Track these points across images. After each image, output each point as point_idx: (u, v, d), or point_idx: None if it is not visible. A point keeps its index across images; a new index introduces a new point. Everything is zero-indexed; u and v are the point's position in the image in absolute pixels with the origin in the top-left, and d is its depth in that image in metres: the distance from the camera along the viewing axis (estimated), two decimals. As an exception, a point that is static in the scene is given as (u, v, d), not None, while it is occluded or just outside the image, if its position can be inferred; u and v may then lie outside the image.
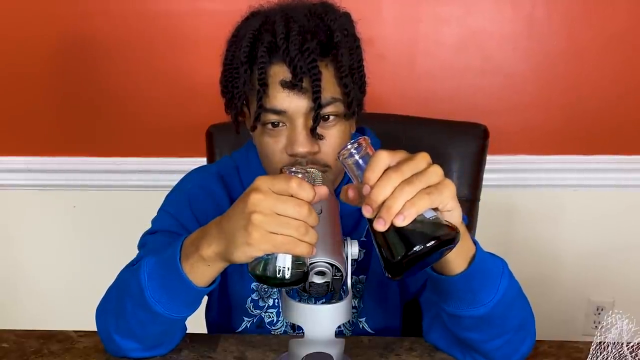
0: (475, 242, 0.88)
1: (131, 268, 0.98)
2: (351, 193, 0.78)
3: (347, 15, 1.02)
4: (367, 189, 0.74)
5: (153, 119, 1.88)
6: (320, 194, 0.78)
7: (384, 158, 0.75)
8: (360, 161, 0.77)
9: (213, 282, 0.90)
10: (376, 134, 1.18)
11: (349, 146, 0.78)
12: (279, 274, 0.78)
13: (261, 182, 0.77)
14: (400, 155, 0.76)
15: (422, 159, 0.75)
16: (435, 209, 0.75)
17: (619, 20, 1.78)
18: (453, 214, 0.76)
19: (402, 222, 0.72)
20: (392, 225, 0.72)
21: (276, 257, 0.77)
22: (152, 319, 0.92)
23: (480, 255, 0.86)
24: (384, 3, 1.79)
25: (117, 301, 0.96)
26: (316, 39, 0.96)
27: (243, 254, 0.78)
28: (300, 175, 0.78)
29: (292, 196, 0.76)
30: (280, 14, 0.98)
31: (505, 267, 0.90)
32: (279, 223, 0.75)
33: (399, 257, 0.73)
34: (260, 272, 0.78)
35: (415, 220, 0.73)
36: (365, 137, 0.79)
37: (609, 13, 1.77)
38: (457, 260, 0.85)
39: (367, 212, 0.74)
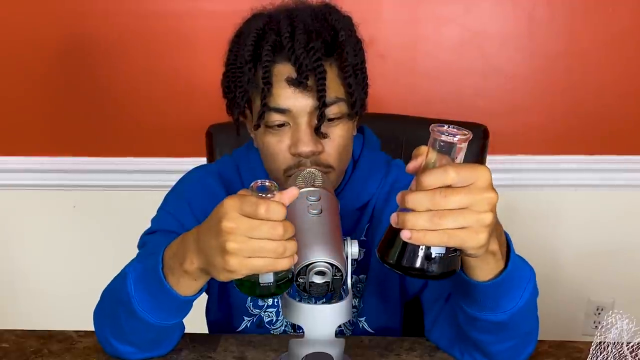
0: (509, 248, 0.84)
1: (120, 274, 0.97)
2: (412, 165, 0.74)
3: (349, 18, 1.02)
4: (413, 184, 0.72)
5: (153, 119, 1.88)
6: (290, 195, 0.77)
7: (450, 175, 0.69)
8: (443, 145, 0.70)
9: (200, 289, 0.89)
10: (376, 134, 1.18)
11: (446, 127, 0.70)
12: (264, 288, 0.78)
13: (230, 206, 0.75)
14: (468, 175, 0.70)
15: (484, 200, 0.71)
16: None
17: (620, 21, 1.78)
18: (473, 254, 0.75)
19: (406, 237, 0.70)
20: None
21: (258, 274, 0.78)
22: (145, 326, 0.92)
23: (512, 265, 0.83)
24: (384, 4, 1.79)
25: (110, 308, 0.96)
26: (321, 39, 0.96)
27: (225, 278, 0.78)
28: (269, 195, 0.75)
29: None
30: (284, 14, 0.98)
31: (532, 276, 0.89)
32: (254, 249, 0.74)
33: (389, 260, 0.74)
34: (245, 289, 0.79)
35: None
36: (468, 132, 0.71)
37: (609, 13, 1.77)
38: (487, 275, 0.83)
39: (398, 199, 0.72)
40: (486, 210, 0.71)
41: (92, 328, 1.02)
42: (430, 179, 0.69)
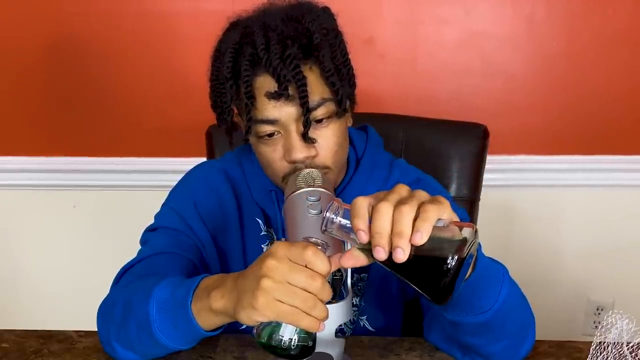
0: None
1: (142, 285, 0.95)
2: (361, 256, 0.75)
3: (325, 10, 1.01)
4: (363, 235, 0.70)
5: (153, 119, 1.88)
6: (337, 264, 0.76)
7: (362, 200, 0.72)
8: (345, 221, 0.73)
9: (219, 327, 0.89)
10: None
11: (327, 215, 0.73)
12: (281, 344, 0.76)
13: (279, 247, 0.75)
14: (377, 193, 0.74)
15: (401, 187, 0.73)
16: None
17: (619, 21, 1.78)
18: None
19: (421, 238, 0.67)
20: (414, 251, 0.68)
21: (281, 327, 0.76)
22: (155, 344, 0.91)
23: (481, 262, 0.83)
24: (384, 3, 1.79)
25: (122, 317, 0.95)
26: (297, 44, 0.95)
27: (247, 317, 0.76)
28: (320, 247, 0.75)
29: (307, 266, 0.73)
30: (258, 23, 0.97)
31: (505, 273, 0.89)
32: (286, 292, 0.73)
33: (443, 277, 0.67)
34: (264, 340, 0.77)
35: (433, 237, 0.68)
36: (336, 198, 0.77)
37: (609, 13, 1.77)
38: None
39: (380, 254, 0.69)
40: (409, 190, 0.73)
41: (92, 328, 1.02)
42: (360, 216, 0.71)
